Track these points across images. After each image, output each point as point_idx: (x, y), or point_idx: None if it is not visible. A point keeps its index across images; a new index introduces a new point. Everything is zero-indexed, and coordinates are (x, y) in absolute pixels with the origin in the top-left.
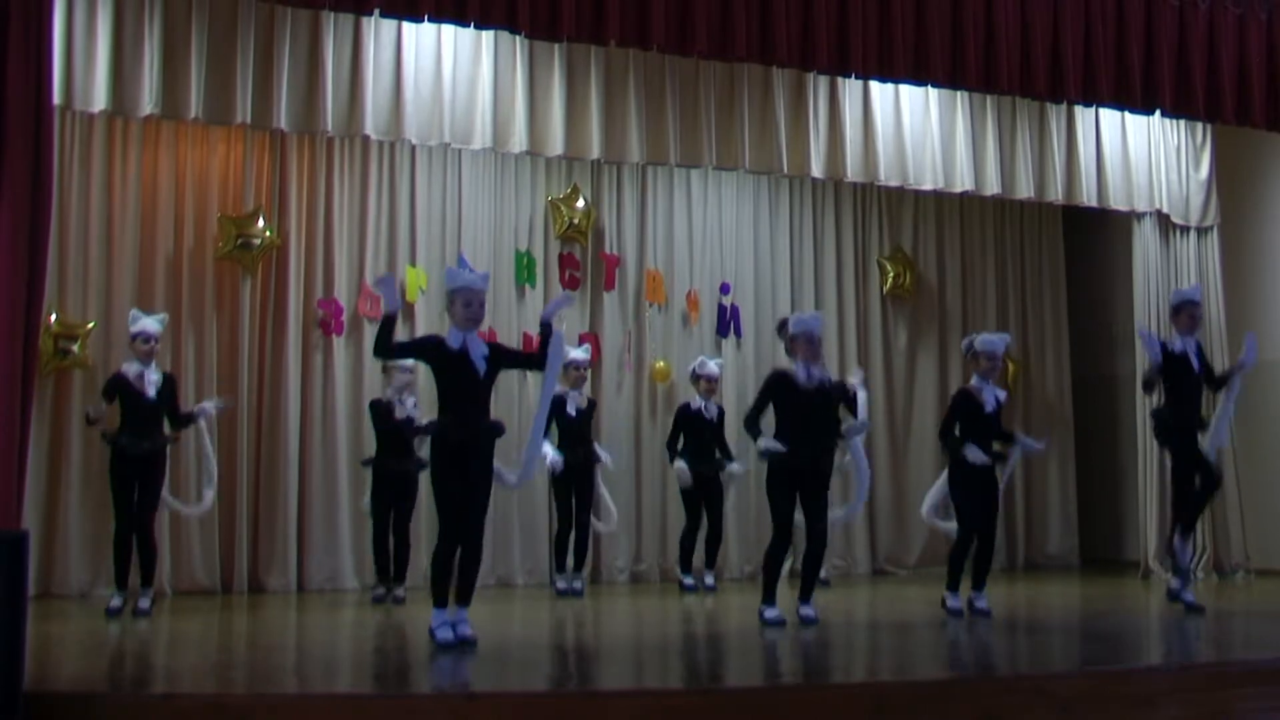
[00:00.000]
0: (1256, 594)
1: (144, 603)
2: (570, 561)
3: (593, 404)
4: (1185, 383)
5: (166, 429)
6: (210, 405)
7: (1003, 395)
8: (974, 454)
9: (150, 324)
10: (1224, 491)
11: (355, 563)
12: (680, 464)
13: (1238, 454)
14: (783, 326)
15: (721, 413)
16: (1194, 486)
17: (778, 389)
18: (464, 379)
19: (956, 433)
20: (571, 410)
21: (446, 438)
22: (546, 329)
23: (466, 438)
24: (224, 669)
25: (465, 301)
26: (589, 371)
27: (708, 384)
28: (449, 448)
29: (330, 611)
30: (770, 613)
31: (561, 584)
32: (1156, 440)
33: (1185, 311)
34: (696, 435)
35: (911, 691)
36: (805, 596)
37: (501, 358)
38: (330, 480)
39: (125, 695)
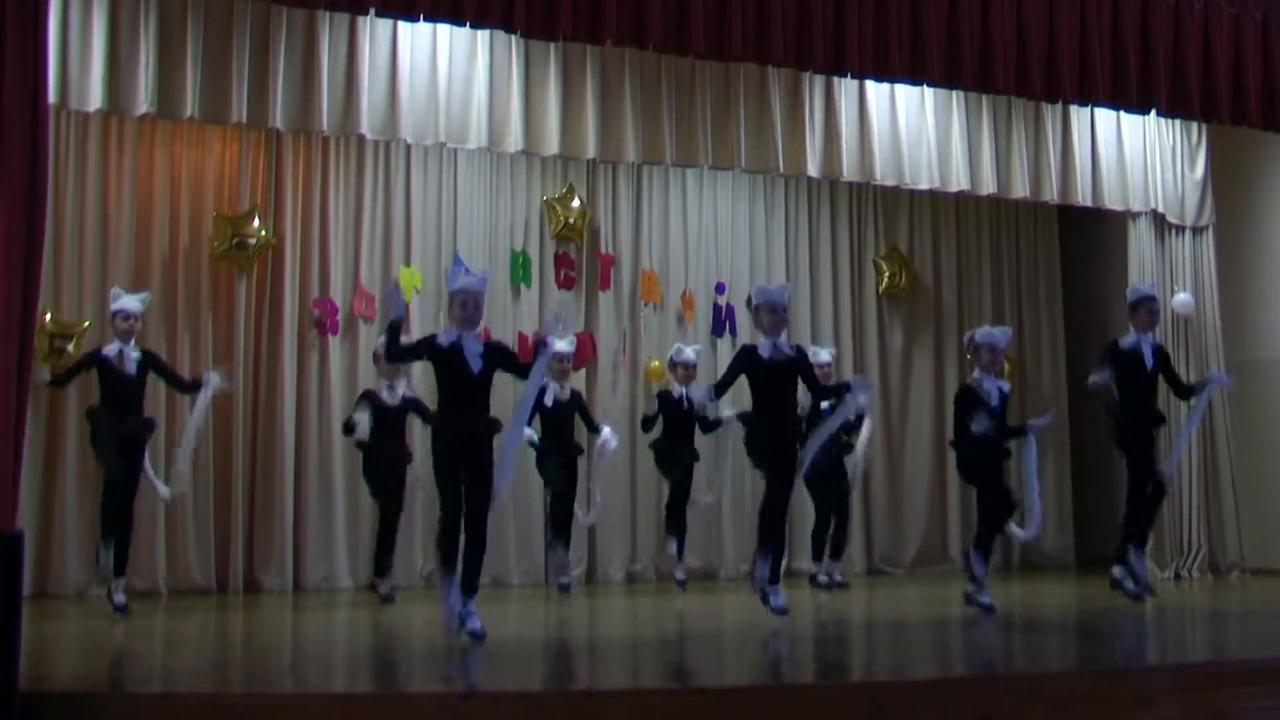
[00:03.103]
0: (1252, 593)
1: (119, 597)
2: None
3: (576, 395)
4: (1137, 380)
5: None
6: (216, 377)
7: (1005, 386)
8: (979, 424)
9: (130, 302)
10: (1219, 491)
11: (351, 562)
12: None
13: (1233, 454)
14: (750, 300)
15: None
16: (1145, 495)
17: (743, 363)
18: (457, 376)
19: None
20: (549, 400)
21: (444, 433)
22: (540, 342)
23: (463, 435)
24: (221, 668)
25: (462, 303)
26: (571, 364)
27: (685, 370)
28: (447, 443)
29: (326, 611)
30: (776, 601)
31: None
32: (1114, 445)
33: (1144, 308)
34: (675, 420)
35: (908, 691)
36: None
37: (497, 359)
38: (326, 479)
39: (121, 695)
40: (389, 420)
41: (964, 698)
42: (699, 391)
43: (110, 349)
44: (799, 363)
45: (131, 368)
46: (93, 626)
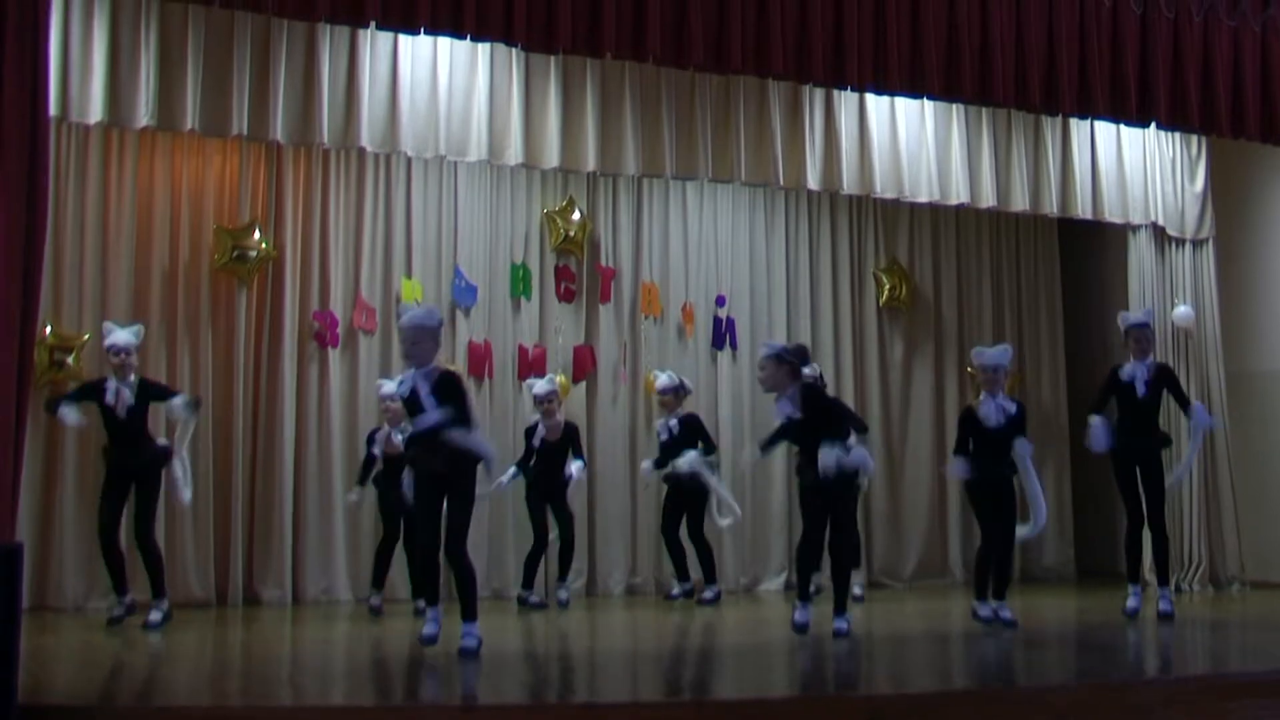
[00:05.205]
0: (1252, 606)
1: (154, 615)
2: (557, 569)
3: (569, 427)
4: (1131, 410)
5: (159, 440)
6: (179, 404)
7: (1012, 408)
8: (955, 469)
9: (123, 336)
10: (1220, 504)
11: (350, 574)
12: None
13: (1234, 466)
14: None
15: (682, 422)
16: (1142, 520)
17: (784, 429)
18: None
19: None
20: (537, 443)
21: (417, 467)
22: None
23: (430, 472)
24: (219, 681)
25: (409, 340)
26: (557, 403)
27: (662, 399)
28: (420, 476)
29: (325, 623)
30: (800, 615)
31: (534, 598)
32: (1113, 472)
33: (1132, 336)
34: (666, 451)
35: (908, 703)
36: (839, 608)
37: (443, 395)
38: (325, 492)
39: (120, 707)
40: (399, 465)
41: (963, 710)
42: (689, 464)
43: (110, 385)
44: (816, 414)
45: (124, 411)
46: (91, 639)
